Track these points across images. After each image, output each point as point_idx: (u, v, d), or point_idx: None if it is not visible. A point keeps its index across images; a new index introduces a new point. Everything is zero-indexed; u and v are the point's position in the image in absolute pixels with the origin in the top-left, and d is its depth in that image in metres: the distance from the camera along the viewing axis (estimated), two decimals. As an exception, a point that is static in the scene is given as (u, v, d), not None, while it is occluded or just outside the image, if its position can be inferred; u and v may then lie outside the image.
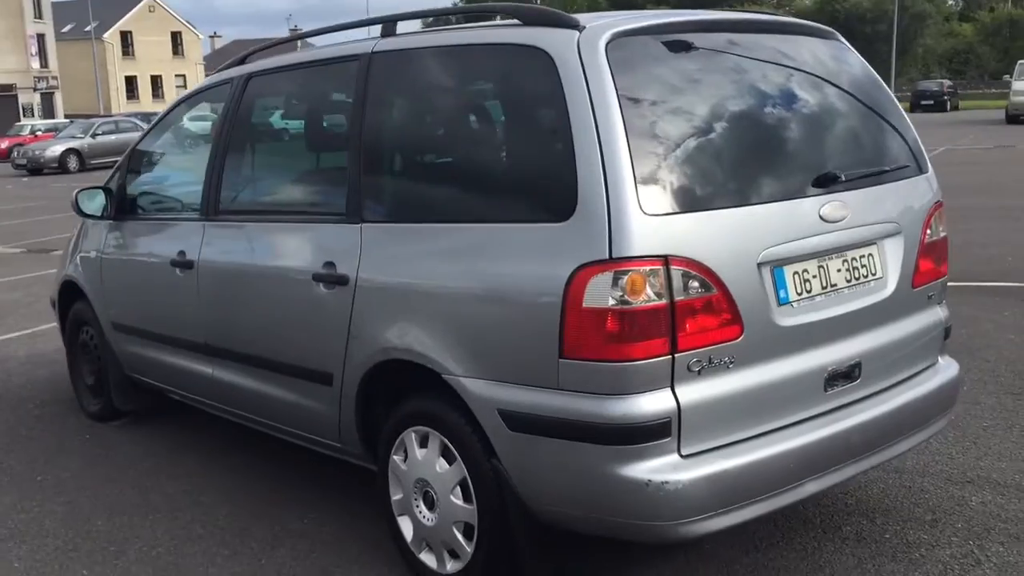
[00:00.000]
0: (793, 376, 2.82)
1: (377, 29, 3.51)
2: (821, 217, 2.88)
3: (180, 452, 4.58)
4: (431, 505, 3.08)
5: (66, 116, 50.34)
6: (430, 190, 3.19)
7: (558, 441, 2.67)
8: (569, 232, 2.62)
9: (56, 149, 30.19)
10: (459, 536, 2.99)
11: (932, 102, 45.12)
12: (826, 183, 2.92)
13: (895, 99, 3.42)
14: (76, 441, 4.82)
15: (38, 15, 58.88)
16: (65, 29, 66.18)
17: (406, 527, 3.19)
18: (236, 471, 4.29)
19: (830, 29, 3.43)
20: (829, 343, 2.92)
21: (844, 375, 2.95)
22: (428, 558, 3.13)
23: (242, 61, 4.23)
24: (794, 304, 2.83)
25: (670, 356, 2.57)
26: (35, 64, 58.34)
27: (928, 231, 3.27)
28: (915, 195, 3.28)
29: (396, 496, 3.21)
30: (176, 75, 72.53)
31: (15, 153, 31.82)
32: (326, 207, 3.52)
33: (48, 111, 57.61)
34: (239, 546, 3.56)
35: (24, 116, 52.46)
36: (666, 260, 2.55)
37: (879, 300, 3.07)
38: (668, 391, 2.58)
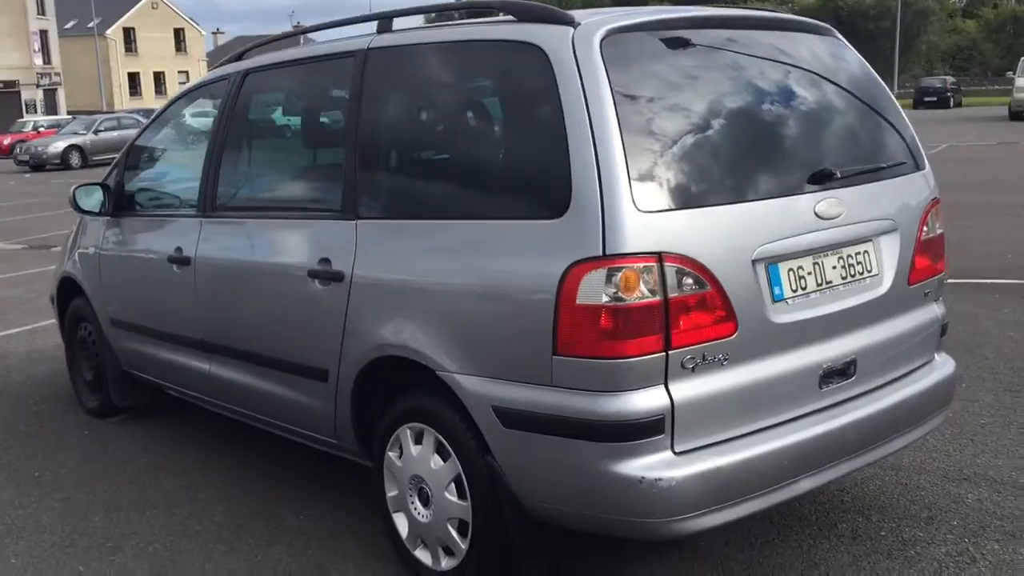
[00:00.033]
0: (787, 373, 2.82)
1: (375, 25, 3.50)
2: (816, 214, 2.88)
3: (178, 448, 4.59)
4: (426, 502, 3.08)
5: (69, 112, 50.34)
6: (425, 186, 3.19)
7: (552, 438, 2.67)
8: (563, 229, 2.62)
9: (58, 145, 30.22)
10: (454, 533, 2.99)
11: (935, 99, 45.03)
12: (822, 180, 2.91)
13: (892, 96, 3.41)
14: (75, 437, 4.83)
15: (41, 11, 58.91)
16: (68, 25, 66.21)
17: (401, 524, 3.19)
18: (234, 467, 4.29)
19: (827, 26, 3.42)
20: (824, 340, 2.92)
21: (839, 372, 2.94)
22: (423, 555, 3.13)
23: (239, 57, 4.23)
24: (789, 301, 2.83)
25: (664, 353, 2.57)
26: (38, 60, 58.39)
27: (925, 228, 3.26)
28: (912, 192, 3.27)
29: (391, 493, 3.21)
30: (179, 71, 72.57)
31: (17, 149, 31.82)
32: (322, 203, 3.52)
33: (51, 107, 57.66)
34: (235, 542, 3.56)
35: (27, 112, 52.52)
36: (660, 257, 2.55)
37: (875, 297, 3.07)
38: (662, 388, 2.58)
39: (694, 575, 3.15)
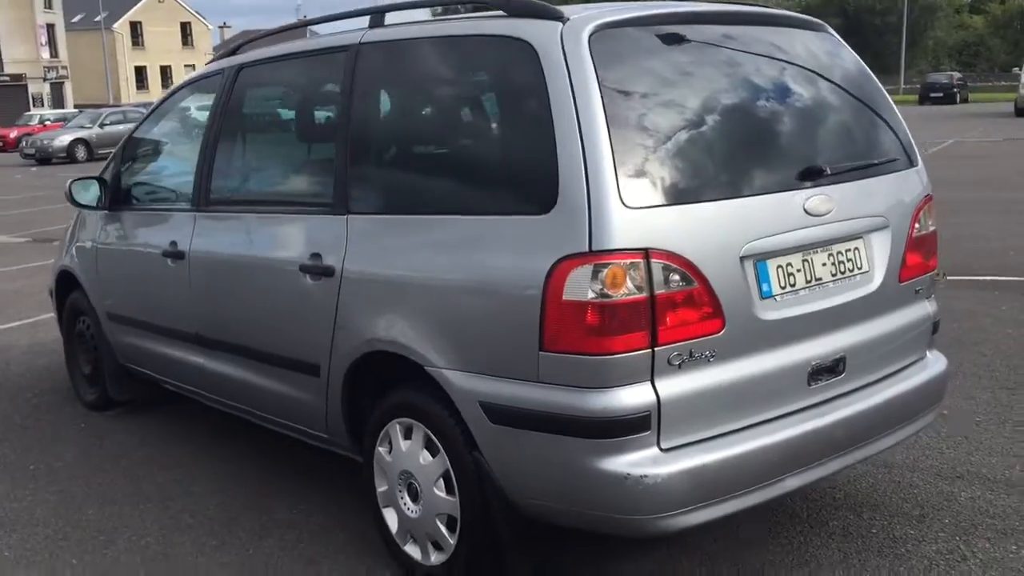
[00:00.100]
0: (776, 370, 2.81)
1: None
2: (806, 211, 2.87)
3: (174, 442, 4.60)
4: (415, 497, 3.08)
5: (76, 106, 50.47)
6: (414, 182, 3.19)
7: (538, 434, 2.67)
8: (550, 225, 2.62)
9: (64, 139, 30.28)
10: (442, 528, 3.00)
11: (941, 94, 44.91)
12: (811, 176, 2.90)
13: (885, 92, 3.39)
14: (71, 430, 4.84)
15: (48, 5, 59.01)
16: (75, 19, 66.33)
17: (391, 519, 3.20)
18: (228, 461, 4.31)
19: (820, 21, 3.41)
20: (813, 337, 2.91)
21: (828, 369, 2.94)
22: (412, 550, 3.14)
23: (234, 52, 4.23)
24: (777, 298, 2.82)
25: (650, 349, 2.57)
26: (45, 54, 58.49)
27: (917, 225, 3.25)
28: (904, 189, 3.26)
29: (381, 488, 3.22)
30: (185, 65, 72.61)
31: (24, 143, 31.91)
32: (313, 198, 3.53)
33: (58, 101, 57.78)
34: (227, 536, 3.57)
35: (34, 106, 52.62)
36: (646, 253, 2.55)
37: (865, 294, 3.06)
38: (648, 384, 2.58)
39: (682, 571, 3.15)
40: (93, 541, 3.58)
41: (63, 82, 60.24)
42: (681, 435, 2.64)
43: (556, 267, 2.57)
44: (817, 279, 2.93)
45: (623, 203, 2.54)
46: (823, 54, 3.27)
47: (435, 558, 3.06)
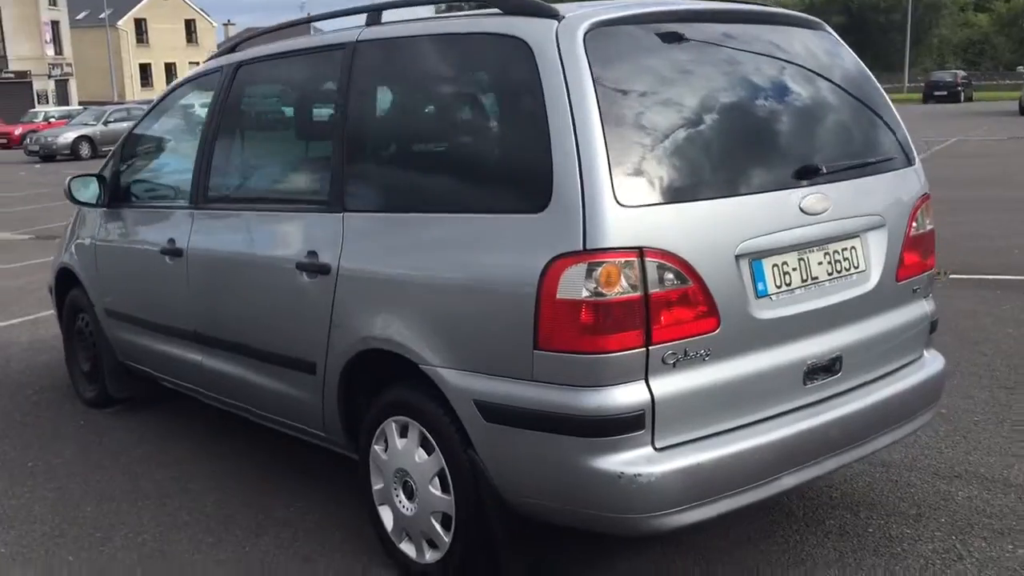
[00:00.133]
0: (771, 369, 2.81)
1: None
2: (802, 209, 2.86)
3: (172, 439, 4.60)
4: (410, 495, 3.08)
5: (80, 103, 50.55)
6: (410, 180, 3.18)
7: (532, 432, 2.67)
8: (544, 223, 2.61)
9: (68, 136, 30.33)
10: (437, 526, 3.00)
11: (945, 93, 44.87)
12: (807, 175, 2.89)
13: (883, 91, 3.38)
14: (70, 427, 4.85)
15: (52, 2, 59.04)
16: (79, 16, 66.40)
17: (386, 516, 3.20)
18: (226, 458, 4.31)
19: (818, 20, 3.40)
20: (809, 336, 2.91)
21: (824, 368, 2.93)
22: (408, 547, 3.14)
23: (233, 49, 4.23)
24: (773, 297, 2.82)
25: (644, 348, 2.56)
26: (49, 51, 58.54)
27: (914, 224, 3.24)
28: (901, 188, 3.25)
29: (377, 486, 3.22)
30: (190, 62, 72.62)
31: (28, 140, 31.95)
32: (310, 196, 3.53)
33: (62, 98, 57.86)
34: (224, 533, 3.57)
35: (39, 103, 52.68)
36: (641, 252, 2.54)
37: (861, 293, 3.05)
38: (642, 383, 2.57)
39: (676, 570, 3.15)
40: (90, 538, 3.59)
41: (68, 79, 60.31)
42: (675, 434, 2.64)
43: (550, 266, 2.56)
44: (813, 278, 2.93)
45: (617, 202, 2.53)
46: (821, 53, 3.26)
47: (430, 556, 3.06)
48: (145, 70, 71.98)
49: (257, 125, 4.25)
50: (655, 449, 2.60)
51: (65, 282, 5.21)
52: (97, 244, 4.81)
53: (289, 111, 4.00)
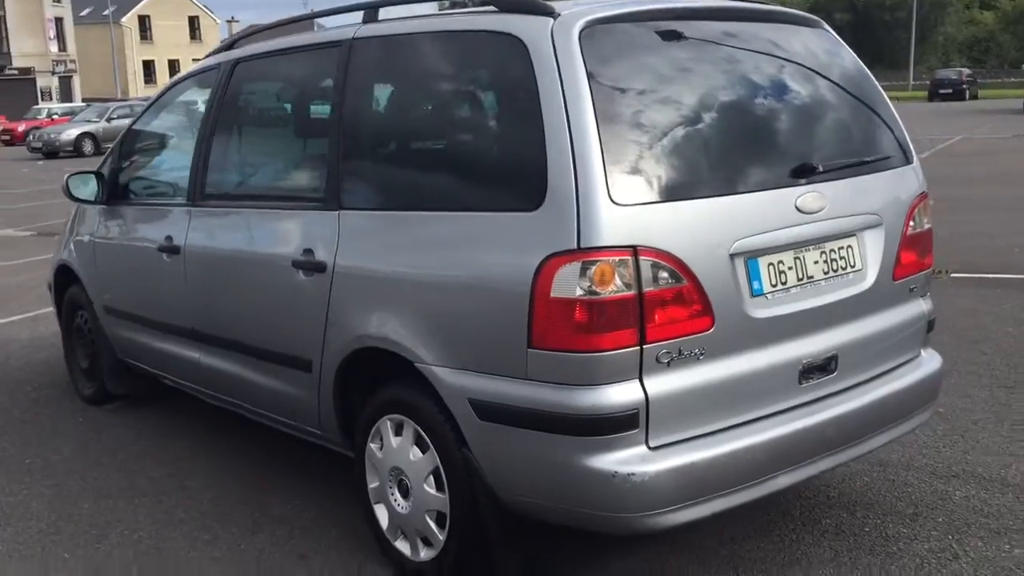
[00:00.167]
0: (766, 368, 2.80)
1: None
2: (798, 208, 2.85)
3: (170, 436, 4.61)
4: (405, 493, 3.08)
5: (84, 100, 50.55)
6: (406, 177, 3.18)
7: (526, 431, 2.66)
8: (539, 221, 2.61)
9: (71, 133, 30.39)
10: (432, 525, 3.00)
11: (950, 91, 44.87)
12: (803, 174, 2.88)
13: (881, 89, 3.37)
14: (69, 424, 4.86)
15: (56, -1, 59.16)
16: (83, 13, 66.46)
17: (382, 515, 3.20)
18: (224, 455, 4.31)
19: (816, 18, 3.39)
20: (805, 335, 2.90)
21: (820, 368, 2.92)
22: (403, 545, 3.14)
23: (231, 46, 4.23)
24: (768, 296, 2.81)
25: (638, 347, 2.55)
26: (53, 48, 58.63)
27: (911, 223, 3.23)
28: (898, 186, 3.24)
29: (372, 484, 3.22)
30: (193, 59, 72.26)
31: (31, 136, 32.00)
32: (307, 194, 3.52)
33: (66, 95, 57.92)
34: (220, 531, 3.57)
35: (42, 100, 52.75)
36: (635, 250, 2.53)
37: (858, 292, 3.04)
38: (636, 382, 2.57)
39: (671, 569, 3.14)
40: (86, 535, 3.59)
41: (71, 76, 60.39)
42: (670, 433, 2.63)
43: (544, 264, 2.56)
44: (809, 277, 2.92)
45: (612, 200, 2.53)
46: (819, 51, 3.25)
47: (424, 554, 3.06)
48: (149, 67, 72.01)
49: (254, 122, 4.25)
50: (649, 448, 2.60)
51: (64, 279, 5.21)
52: (95, 241, 4.81)
53: (286, 108, 4.00)
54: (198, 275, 3.97)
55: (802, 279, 2.90)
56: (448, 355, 2.82)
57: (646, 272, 2.55)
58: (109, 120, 30.91)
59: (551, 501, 2.72)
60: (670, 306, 2.60)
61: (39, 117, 38.20)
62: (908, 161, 3.32)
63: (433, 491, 2.96)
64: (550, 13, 2.77)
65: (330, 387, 3.29)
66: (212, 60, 4.24)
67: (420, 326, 2.89)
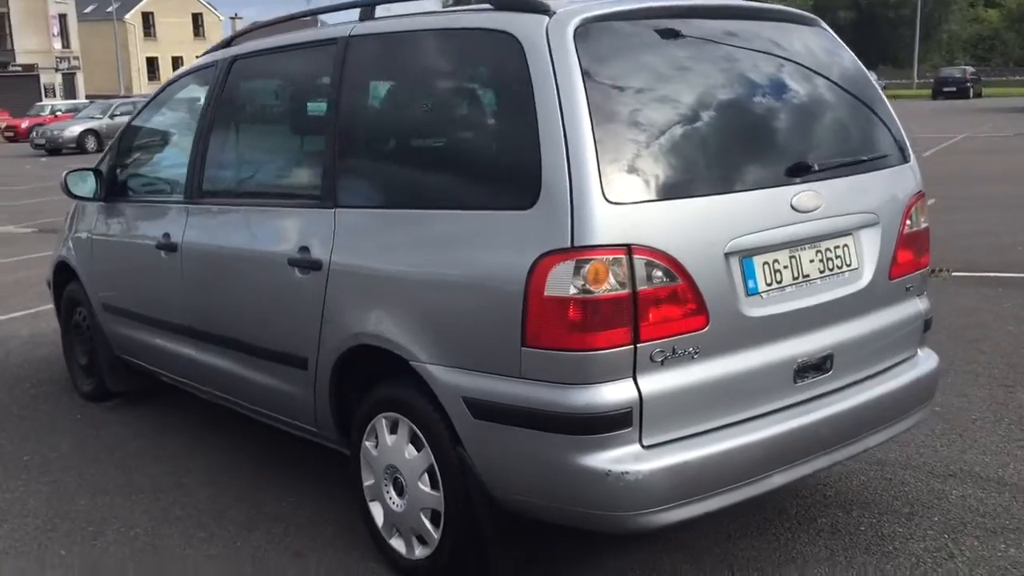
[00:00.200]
0: (761, 367, 2.79)
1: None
2: (793, 207, 2.84)
3: (168, 433, 4.61)
4: (400, 491, 3.08)
5: (87, 97, 50.58)
6: (401, 175, 3.18)
7: (520, 430, 2.66)
8: (533, 220, 2.61)
9: (74, 129, 30.39)
10: (427, 523, 3.00)
11: (954, 89, 44.81)
12: (799, 172, 2.88)
13: (878, 87, 3.37)
14: (67, 421, 4.86)
15: (60, -5, 59.18)
16: (87, 10, 66.50)
17: (377, 512, 3.20)
18: (222, 453, 4.31)
19: (813, 16, 3.38)
20: (800, 334, 2.89)
21: (815, 367, 2.92)
22: (398, 543, 3.14)
23: (228, 43, 4.23)
24: (763, 295, 2.80)
25: (632, 346, 2.55)
26: (57, 45, 58.64)
27: (908, 222, 3.22)
28: (895, 185, 3.23)
29: (368, 482, 3.22)
30: (197, 56, 72.05)
31: (34, 133, 32.03)
32: (303, 192, 3.52)
33: (70, 92, 57.93)
34: (216, 528, 3.58)
35: (46, 96, 52.78)
36: (629, 249, 2.53)
37: (854, 291, 3.04)
38: (630, 381, 2.56)
39: (665, 567, 3.14)
40: (82, 532, 3.60)
41: (75, 73, 60.42)
42: (663, 432, 2.63)
43: (538, 263, 2.56)
44: (805, 276, 2.91)
45: (606, 199, 2.52)
46: (815, 49, 3.24)
47: (419, 552, 3.06)
48: (152, 64, 72.06)
49: (251, 120, 4.25)
50: (643, 447, 2.60)
51: (63, 276, 5.22)
52: (93, 238, 4.81)
53: (283, 106, 4.00)
54: (195, 272, 3.97)
55: (797, 278, 2.89)
56: (442, 353, 2.82)
57: (640, 271, 2.54)
58: (112, 117, 30.90)
59: (545, 500, 2.72)
60: (664, 305, 2.59)
61: (42, 114, 38.21)
62: (905, 160, 3.32)
63: (428, 489, 2.96)
64: (545, 11, 2.77)
65: (326, 385, 3.29)
66: (209, 57, 4.24)
67: (415, 324, 2.89)
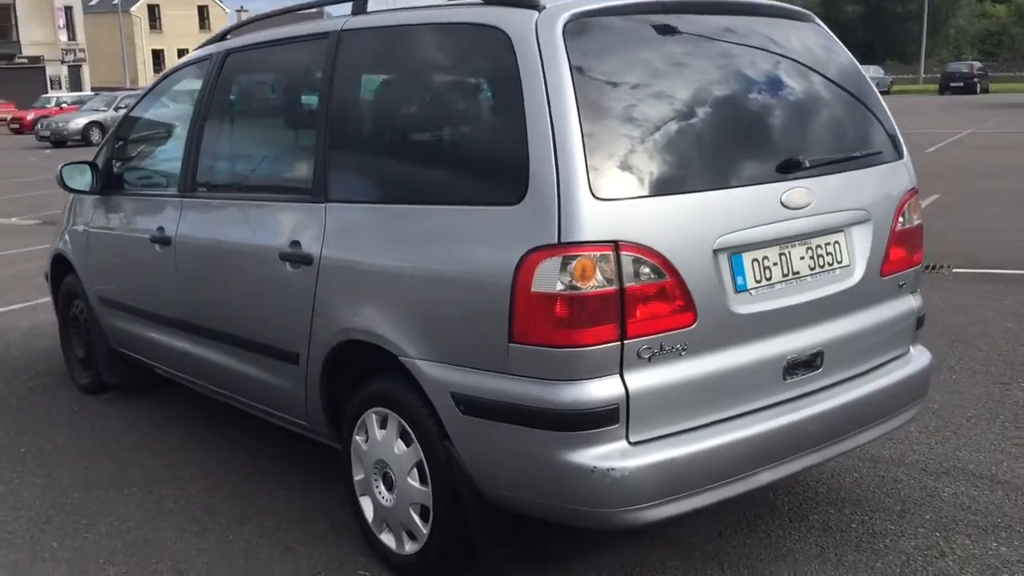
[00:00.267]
0: (749, 364, 2.79)
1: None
2: (783, 204, 2.83)
3: (164, 426, 4.62)
4: (390, 486, 3.08)
5: (93, 89, 50.65)
6: (392, 170, 3.17)
7: (507, 426, 2.66)
8: (520, 216, 2.60)
9: (79, 121, 30.44)
10: (416, 518, 3.00)
11: (961, 84, 44.67)
12: (789, 169, 2.87)
13: (872, 84, 3.35)
14: (64, 413, 4.87)
15: (66, -12, 59.19)
16: (93, 2, 66.62)
17: (367, 507, 3.20)
18: (217, 446, 4.32)
19: (807, 12, 3.36)
20: (789, 331, 2.89)
21: (804, 364, 2.91)
22: (387, 538, 3.14)
23: (223, 36, 4.22)
24: (752, 292, 2.79)
25: (619, 342, 2.55)
26: (63, 37, 58.70)
27: (901, 219, 3.21)
28: (887, 182, 3.21)
29: (358, 476, 3.22)
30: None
31: (39, 125, 32.08)
32: (294, 186, 3.52)
33: (75, 84, 58.01)
34: (208, 522, 3.58)
35: (51, 88, 52.85)
36: (616, 245, 2.52)
37: (845, 288, 3.03)
38: (617, 377, 2.56)
39: (654, 563, 3.13)
40: (75, 525, 3.61)
41: (80, 65, 60.48)
42: (650, 428, 2.62)
43: (525, 259, 2.55)
44: (795, 273, 2.90)
45: (593, 195, 2.52)
46: (809, 45, 3.22)
47: (409, 547, 3.06)
48: (158, 56, 72.06)
49: (244, 113, 4.24)
50: (629, 443, 2.59)
51: (60, 269, 5.22)
52: (90, 231, 4.82)
53: (275, 100, 3.99)
54: (188, 266, 3.97)
55: (787, 275, 2.88)
56: (431, 349, 2.82)
57: (627, 267, 2.54)
58: (117, 109, 30.87)
59: (532, 495, 2.72)
60: (652, 301, 2.59)
61: (48, 106, 38.27)
62: (899, 156, 3.30)
63: (417, 484, 2.97)
64: (535, 6, 2.76)
65: (317, 379, 3.29)
66: (204, 50, 4.24)
67: (404, 319, 2.89)
